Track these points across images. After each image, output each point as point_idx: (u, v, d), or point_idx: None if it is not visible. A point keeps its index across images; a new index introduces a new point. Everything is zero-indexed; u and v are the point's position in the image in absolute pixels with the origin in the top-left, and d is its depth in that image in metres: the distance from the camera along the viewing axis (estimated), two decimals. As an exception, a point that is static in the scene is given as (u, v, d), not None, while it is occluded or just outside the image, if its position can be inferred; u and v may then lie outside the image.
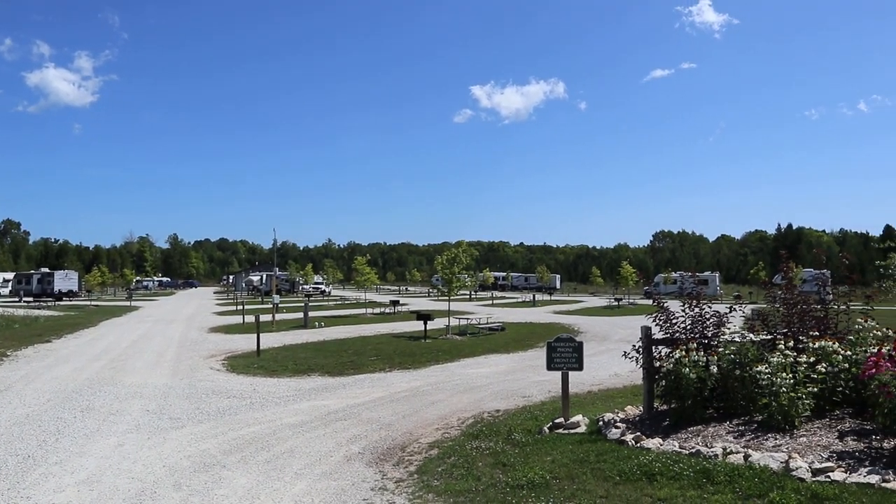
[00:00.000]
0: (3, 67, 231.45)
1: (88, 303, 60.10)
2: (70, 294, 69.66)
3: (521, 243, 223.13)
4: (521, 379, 15.57)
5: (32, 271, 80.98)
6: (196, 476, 8.03)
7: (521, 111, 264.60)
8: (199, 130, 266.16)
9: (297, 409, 12.17)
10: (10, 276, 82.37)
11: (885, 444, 7.00)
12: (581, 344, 10.00)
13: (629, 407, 10.49)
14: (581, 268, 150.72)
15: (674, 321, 9.69)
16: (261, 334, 21.15)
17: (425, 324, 25.16)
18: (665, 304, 10.02)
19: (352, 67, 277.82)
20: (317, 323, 31.85)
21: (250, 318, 30.83)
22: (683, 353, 8.72)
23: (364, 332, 28.00)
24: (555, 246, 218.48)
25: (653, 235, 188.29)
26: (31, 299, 64.57)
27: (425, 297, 74.03)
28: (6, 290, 75.69)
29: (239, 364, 18.28)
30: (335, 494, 7.24)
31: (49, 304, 57.57)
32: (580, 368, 9.92)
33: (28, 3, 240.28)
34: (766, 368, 8.09)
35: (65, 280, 71.36)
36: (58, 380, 15.66)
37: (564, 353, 9.83)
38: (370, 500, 7.00)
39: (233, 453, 9.09)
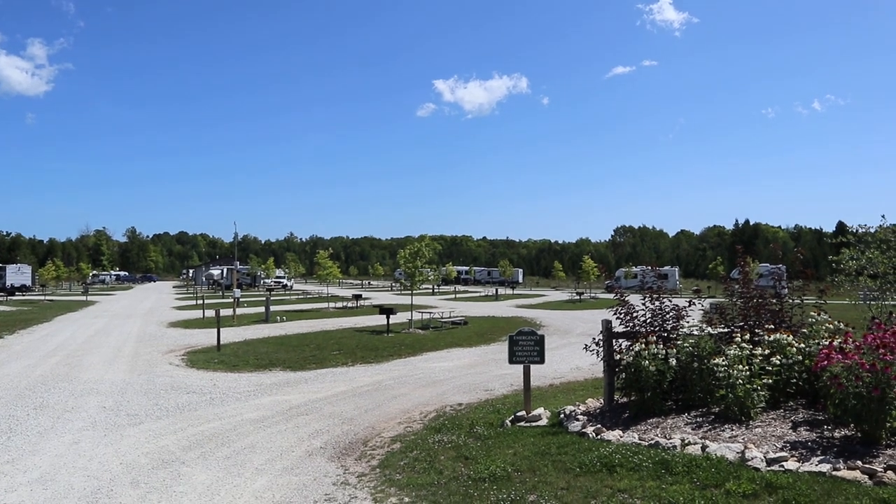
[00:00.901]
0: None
1: (42, 297, 58.73)
2: (23, 289, 68.16)
3: (484, 238, 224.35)
4: (484, 373, 15.63)
5: (-16, 265, 78.98)
6: (154, 473, 7.92)
7: (484, 106, 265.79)
8: (160, 123, 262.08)
9: (258, 405, 12.07)
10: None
11: (835, 434, 7.19)
12: (542, 337, 10.07)
13: (590, 400, 10.61)
14: (543, 262, 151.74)
15: (634, 315, 9.82)
16: (221, 329, 20.90)
17: (388, 318, 25.12)
18: (626, 298, 10.14)
19: (315, 62, 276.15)
20: (278, 317, 31.62)
21: (210, 313, 30.47)
22: (643, 346, 8.83)
23: (326, 326, 27.87)
24: (517, 240, 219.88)
25: (614, 230, 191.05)
26: (-19, 294, 62.98)
27: (388, 291, 73.88)
28: (-44, 285, 73.70)
29: (199, 359, 18.05)
30: (296, 489, 7.20)
31: (1, 298, 56.21)
32: (542, 362, 10.00)
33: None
34: (723, 361, 8.23)
35: (17, 274, 69.81)
36: (9, 377, 15.31)
37: (526, 346, 9.90)
38: (332, 495, 6.98)
39: (192, 449, 8.99)
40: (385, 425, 10.25)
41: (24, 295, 64.05)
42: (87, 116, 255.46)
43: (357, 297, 43.62)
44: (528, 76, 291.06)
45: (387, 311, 25.48)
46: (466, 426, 9.56)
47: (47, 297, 58.58)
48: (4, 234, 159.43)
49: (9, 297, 58.29)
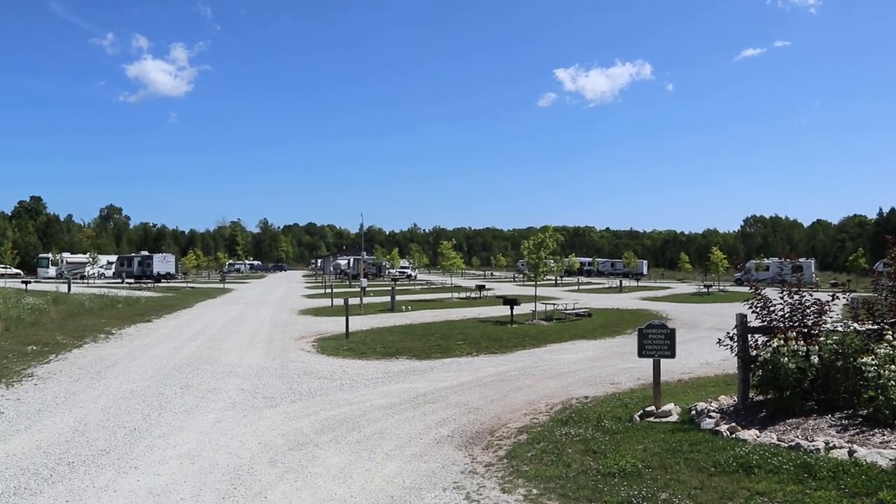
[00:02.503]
0: (105, 60, 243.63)
1: (185, 285, 62.60)
2: (168, 276, 72.79)
3: (607, 228, 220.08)
4: (610, 365, 15.37)
5: (133, 254, 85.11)
6: (290, 454, 8.28)
7: (606, 94, 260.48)
8: (289, 118, 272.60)
9: (386, 391, 12.37)
10: (113, 258, 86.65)
11: None
12: (673, 331, 9.78)
13: (722, 397, 10.22)
14: (669, 253, 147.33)
15: (772, 309, 9.35)
16: (349, 317, 21.56)
17: (512, 309, 25.13)
18: (762, 291, 9.68)
19: (436, 53, 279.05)
20: (403, 307, 32.25)
21: (338, 302, 31.47)
22: (782, 341, 8.41)
23: (450, 316, 28.19)
24: (642, 231, 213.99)
25: (743, 220, 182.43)
26: (132, 281, 67.88)
27: (510, 282, 73.91)
28: (110, 272, 79.66)
29: (328, 346, 18.70)
30: (425, 476, 7.34)
31: (148, 285, 60.25)
32: (672, 356, 9.72)
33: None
34: (872, 360, 7.73)
35: (163, 263, 74.68)
36: (158, 358, 16.40)
37: (656, 339, 9.65)
38: (460, 484, 7.06)
39: (325, 433, 9.32)
40: (511, 416, 10.27)
41: (168, 282, 68.43)
42: (223, 114, 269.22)
43: (480, 288, 43.87)
44: (652, 62, 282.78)
45: (510, 301, 25.49)
46: (594, 419, 9.43)
47: (189, 285, 62.36)
48: (151, 225, 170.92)
49: (155, 284, 62.49)
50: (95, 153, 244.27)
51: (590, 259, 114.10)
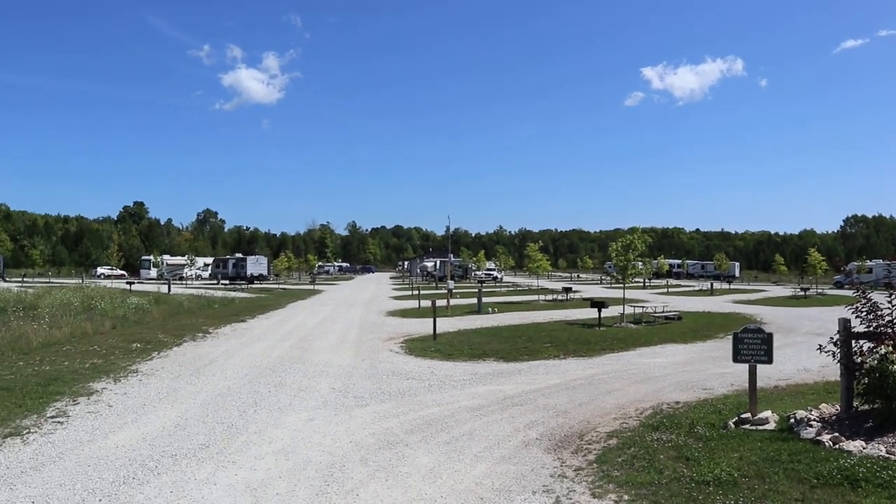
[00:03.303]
0: (202, 71, 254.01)
1: (276, 286, 64.39)
2: (260, 277, 75.08)
3: (697, 229, 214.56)
4: (701, 370, 14.96)
5: (228, 256, 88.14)
6: (381, 453, 8.41)
7: (695, 92, 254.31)
8: (375, 121, 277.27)
9: (473, 393, 12.41)
10: (209, 260, 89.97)
11: None
12: (770, 336, 9.44)
13: (823, 405, 9.79)
14: (762, 255, 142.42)
15: (879, 313, 8.91)
16: (436, 319, 21.72)
17: (599, 311, 24.79)
18: (869, 294, 9.23)
19: (519, 52, 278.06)
20: (490, 309, 32.25)
21: (425, 303, 31.76)
22: (891, 348, 8.01)
23: (537, 318, 28.03)
24: (733, 232, 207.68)
25: (843, 220, 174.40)
26: (227, 282, 70.30)
27: (597, 284, 72.91)
28: (206, 274, 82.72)
29: (416, 347, 18.89)
30: (515, 479, 7.33)
31: (242, 286, 62.26)
32: (769, 361, 9.39)
33: (222, 11, 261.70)
34: None
35: (256, 265, 77.06)
36: (253, 356, 16.92)
37: (752, 344, 9.35)
38: (550, 487, 7.02)
39: (414, 433, 9.43)
40: (600, 420, 10.13)
41: (261, 283, 70.58)
42: (313, 120, 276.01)
43: (567, 290, 43.46)
44: (744, 57, 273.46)
45: (598, 304, 25.15)
46: (686, 426, 9.20)
47: (280, 286, 64.11)
48: (244, 228, 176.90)
49: (249, 285, 64.52)
50: (193, 159, 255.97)
51: (679, 261, 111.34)
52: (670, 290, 58.31)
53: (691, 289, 61.45)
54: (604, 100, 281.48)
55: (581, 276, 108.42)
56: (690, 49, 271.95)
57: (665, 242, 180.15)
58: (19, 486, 7.12)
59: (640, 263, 28.12)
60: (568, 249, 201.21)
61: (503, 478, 7.37)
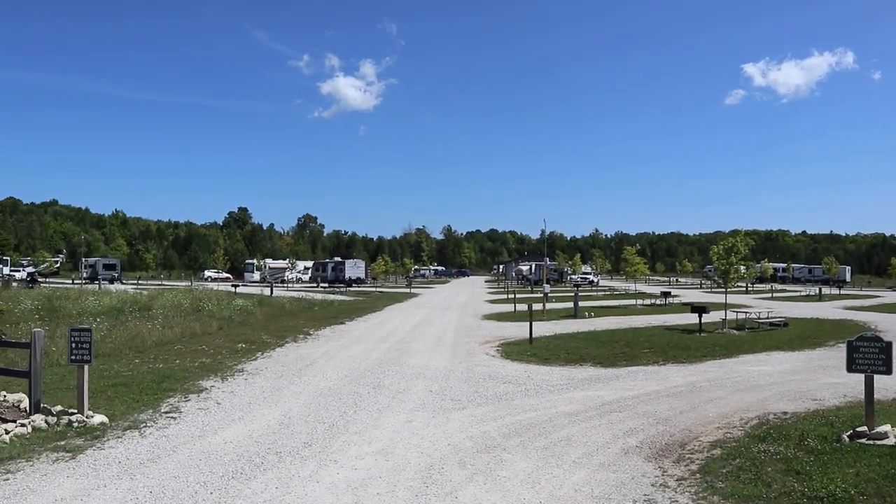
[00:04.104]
0: (302, 80, 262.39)
1: (374, 289, 65.56)
2: (358, 281, 76.63)
3: (804, 232, 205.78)
4: (810, 380, 14.31)
5: (327, 260, 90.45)
6: (478, 456, 8.43)
7: (801, 87, 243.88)
8: (468, 125, 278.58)
9: (570, 398, 12.28)
10: (309, 264, 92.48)
11: None
12: (890, 344, 8.93)
13: (948, 419, 9.21)
14: (876, 259, 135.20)
15: None
16: (532, 322, 21.62)
17: (700, 316, 24.10)
18: None
19: (612, 48, 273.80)
20: (586, 313, 31.86)
21: (521, 307, 31.71)
22: None
23: (635, 323, 27.50)
24: (843, 234, 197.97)
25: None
26: (326, 285, 72.10)
27: (697, 288, 70.82)
28: (306, 277, 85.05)
29: (512, 351, 18.86)
30: (615, 487, 7.21)
31: (341, 289, 63.70)
32: (888, 372, 8.88)
33: (320, 21, 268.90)
34: None
35: (354, 268, 78.73)
36: (351, 358, 17.28)
37: (868, 353, 8.88)
38: (651, 497, 6.88)
39: (512, 437, 9.41)
40: (702, 429, 9.84)
41: (358, 286, 72.04)
42: (409, 125, 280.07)
43: (665, 295, 42.44)
44: (855, 50, 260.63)
45: (699, 309, 24.46)
46: (795, 438, 8.82)
47: (378, 289, 65.24)
48: (343, 232, 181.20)
49: (347, 288, 65.99)
50: (293, 166, 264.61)
51: (784, 265, 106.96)
52: (775, 295, 56.08)
53: (798, 294, 58.86)
54: (703, 98, 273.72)
55: (680, 280, 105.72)
56: (795, 43, 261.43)
57: (769, 245, 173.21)
58: (139, 477, 7.53)
59: (742, 267, 27.12)
60: (666, 253, 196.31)
61: (603, 485, 7.27)
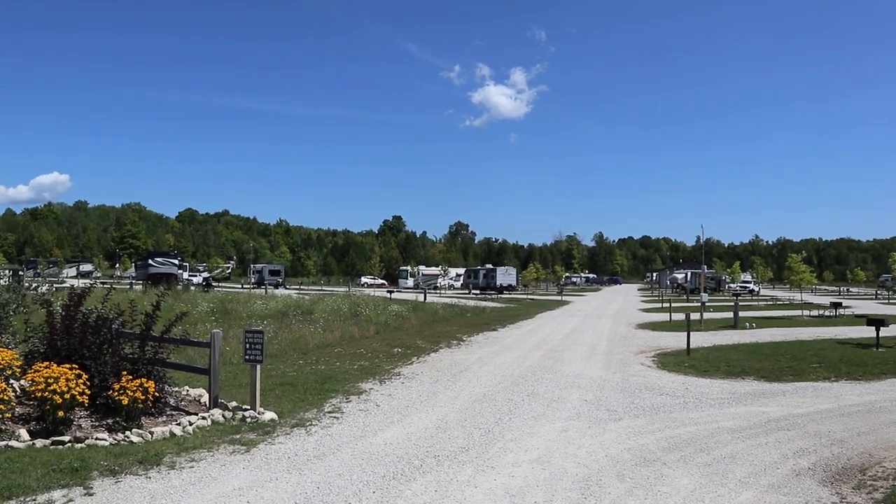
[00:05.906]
0: (454, 90, 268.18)
1: (525, 296, 65.62)
2: (509, 288, 77.01)
3: None
4: None
5: (479, 267, 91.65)
6: (637, 469, 8.25)
7: None
8: (641, 131, 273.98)
9: (733, 413, 11.75)
10: (461, 271, 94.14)
11: None
12: None
13: None
14: None
15: None
16: (690, 332, 20.86)
17: (878, 330, 22.31)
18: None
19: (770, 59, 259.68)
20: (747, 324, 30.33)
21: (676, 316, 30.70)
22: None
23: (801, 335, 25.84)
24: None
25: None
26: (478, 292, 72.99)
27: (871, 299, 65.59)
28: (458, 284, 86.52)
29: (669, 361, 18.28)
30: (786, 510, 6.84)
31: (492, 296, 64.24)
32: None
33: (470, 32, 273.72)
34: None
35: (505, 275, 79.23)
36: (505, 365, 17.38)
37: None
38: (828, 522, 6.47)
39: (671, 451, 9.13)
40: (885, 454, 9.09)
41: (510, 293, 72.37)
42: (559, 132, 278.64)
43: (836, 305, 39.64)
44: None
45: (876, 321, 22.66)
46: None
47: (529, 296, 65.24)
48: (493, 240, 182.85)
49: (498, 295, 66.46)
50: (445, 174, 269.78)
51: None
52: (966, 307, 50.98)
53: None
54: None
55: (851, 289, 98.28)
56: None
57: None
58: (306, 472, 7.96)
59: (927, 277, 24.89)
60: (835, 260, 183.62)
61: (772, 507, 6.91)
